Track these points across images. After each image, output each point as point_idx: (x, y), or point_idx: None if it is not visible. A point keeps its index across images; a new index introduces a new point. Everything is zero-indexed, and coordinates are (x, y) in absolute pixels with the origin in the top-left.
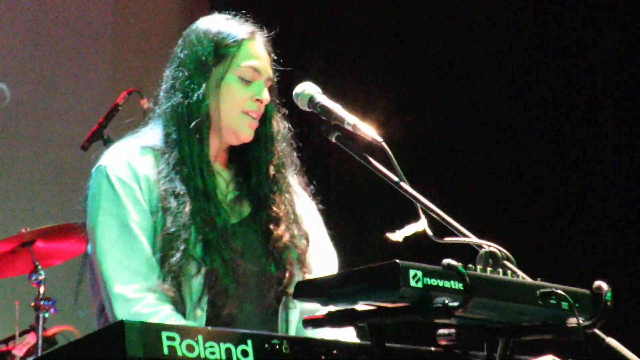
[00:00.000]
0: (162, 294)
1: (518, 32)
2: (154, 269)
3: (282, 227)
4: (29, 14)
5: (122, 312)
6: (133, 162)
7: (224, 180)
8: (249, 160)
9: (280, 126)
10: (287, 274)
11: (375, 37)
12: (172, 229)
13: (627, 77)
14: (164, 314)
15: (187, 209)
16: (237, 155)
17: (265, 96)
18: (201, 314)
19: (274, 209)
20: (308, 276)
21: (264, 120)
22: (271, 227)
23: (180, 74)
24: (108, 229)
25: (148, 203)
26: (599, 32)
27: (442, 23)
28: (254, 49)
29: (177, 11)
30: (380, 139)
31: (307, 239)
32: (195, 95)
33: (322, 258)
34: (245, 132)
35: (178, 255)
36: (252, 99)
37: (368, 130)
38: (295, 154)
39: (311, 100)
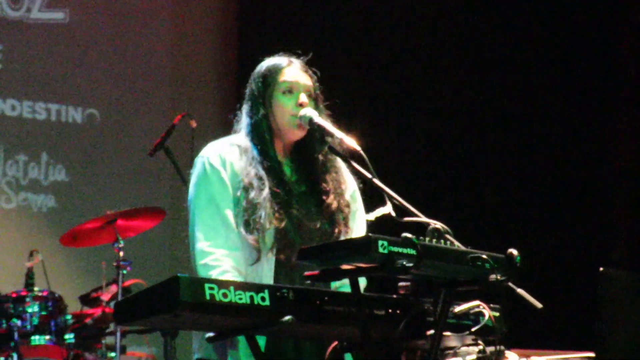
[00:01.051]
0: (231, 247)
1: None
2: (230, 228)
3: (332, 197)
4: (111, 56)
5: (199, 261)
6: (223, 153)
7: (289, 167)
8: (306, 151)
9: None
10: (336, 230)
11: (352, 73)
12: (257, 200)
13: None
14: (222, 269)
15: (266, 187)
16: (299, 149)
17: (303, 99)
18: (271, 257)
19: (324, 185)
20: (350, 234)
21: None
22: (324, 197)
23: (246, 105)
24: (198, 200)
25: (231, 182)
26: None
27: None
28: (290, 70)
29: (220, 52)
30: (358, 148)
31: (348, 206)
32: (255, 117)
33: (357, 224)
34: (297, 130)
35: (262, 217)
36: (295, 105)
37: (350, 142)
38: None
39: (311, 121)
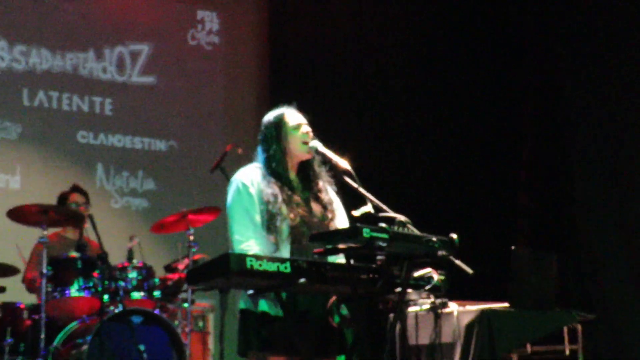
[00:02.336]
0: (258, 239)
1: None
2: (257, 227)
3: (325, 195)
4: (184, 105)
5: (236, 247)
6: (251, 176)
7: (295, 181)
8: (308, 168)
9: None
10: (329, 218)
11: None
12: (274, 211)
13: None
14: (253, 250)
15: (279, 200)
16: (302, 167)
17: (308, 129)
18: (287, 244)
19: (320, 186)
20: (335, 220)
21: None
22: (321, 198)
23: (264, 144)
24: (234, 208)
25: (256, 196)
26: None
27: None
28: (291, 113)
29: (257, 101)
30: (349, 167)
31: (332, 203)
32: (271, 151)
33: (340, 216)
34: (307, 153)
35: (278, 221)
36: (303, 134)
37: (343, 163)
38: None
39: (317, 150)
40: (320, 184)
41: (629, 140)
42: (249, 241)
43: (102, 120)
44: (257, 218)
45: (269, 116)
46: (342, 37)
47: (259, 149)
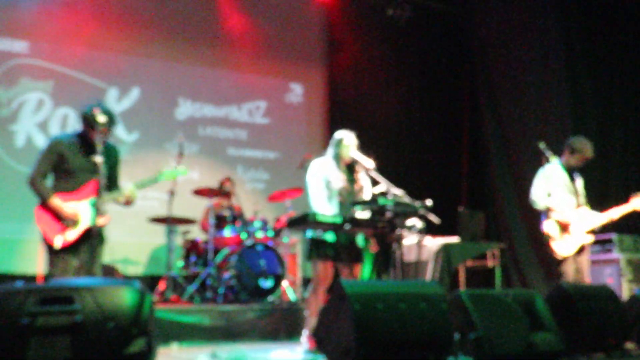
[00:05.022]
0: (321, 194)
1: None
2: (321, 187)
3: (358, 184)
4: (281, 135)
5: (314, 207)
6: (321, 164)
7: (344, 171)
8: (353, 167)
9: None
10: (360, 193)
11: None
12: (330, 179)
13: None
14: (318, 200)
15: (334, 175)
16: (349, 165)
17: (352, 149)
18: (334, 200)
19: (357, 178)
20: (364, 194)
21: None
22: (356, 180)
23: (330, 147)
24: (310, 177)
25: (322, 171)
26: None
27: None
28: (348, 137)
29: (321, 135)
30: (373, 165)
31: (363, 185)
32: (333, 152)
33: (366, 193)
34: (348, 160)
35: (331, 185)
36: (349, 151)
37: (369, 163)
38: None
39: (353, 157)
40: (357, 177)
41: (522, 140)
42: (317, 194)
43: (241, 142)
44: (322, 182)
45: (339, 133)
46: (369, 95)
47: (330, 148)
